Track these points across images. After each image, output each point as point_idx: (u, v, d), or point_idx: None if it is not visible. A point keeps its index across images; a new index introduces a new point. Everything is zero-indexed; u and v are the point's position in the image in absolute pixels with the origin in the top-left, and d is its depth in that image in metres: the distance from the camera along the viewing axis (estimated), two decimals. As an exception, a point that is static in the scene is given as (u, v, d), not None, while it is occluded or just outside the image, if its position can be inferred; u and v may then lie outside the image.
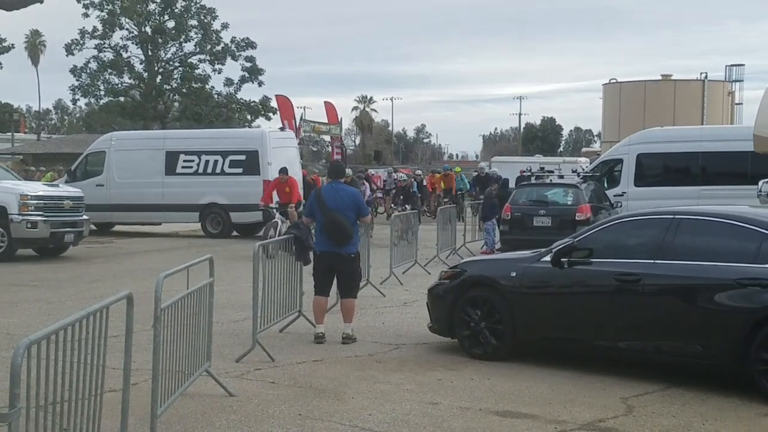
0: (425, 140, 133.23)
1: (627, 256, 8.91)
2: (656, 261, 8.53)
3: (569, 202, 18.95)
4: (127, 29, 53.48)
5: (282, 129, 30.02)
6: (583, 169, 24.08)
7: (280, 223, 19.97)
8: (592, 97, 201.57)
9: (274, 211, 20.76)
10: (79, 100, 56.41)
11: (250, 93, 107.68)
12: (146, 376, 7.36)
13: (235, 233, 25.85)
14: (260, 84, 55.02)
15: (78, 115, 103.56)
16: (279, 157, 25.64)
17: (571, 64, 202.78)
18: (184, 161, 26.10)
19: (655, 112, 59.72)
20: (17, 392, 4.03)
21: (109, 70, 53.60)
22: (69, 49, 52.77)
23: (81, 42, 52.81)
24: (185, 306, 7.17)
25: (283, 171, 21.26)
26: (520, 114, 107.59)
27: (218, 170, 25.56)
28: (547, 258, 9.29)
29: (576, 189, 19.14)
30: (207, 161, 25.90)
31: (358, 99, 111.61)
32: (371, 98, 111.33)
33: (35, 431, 4.38)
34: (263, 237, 19.07)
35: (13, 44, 38.83)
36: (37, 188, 19.64)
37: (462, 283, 9.91)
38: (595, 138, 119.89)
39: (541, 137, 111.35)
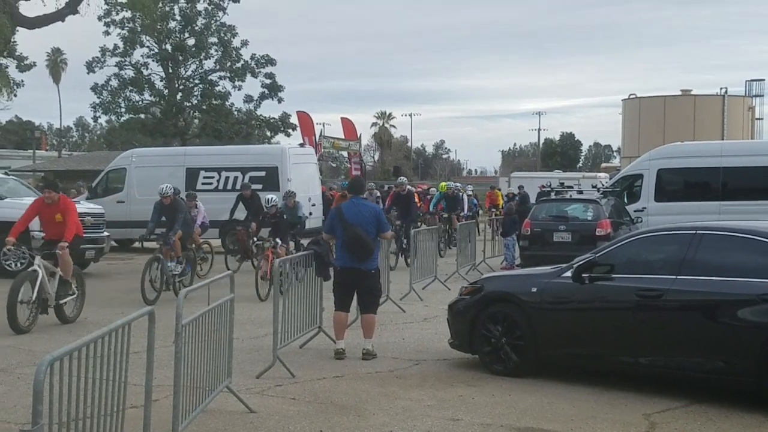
0: (444, 156, 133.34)
1: (648, 271, 8.86)
2: (678, 276, 8.48)
3: (589, 218, 18.88)
4: (147, 47, 54.01)
5: (302, 145, 30.13)
6: (603, 185, 23.98)
7: (41, 273, 12.12)
8: (612, 113, 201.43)
9: (26, 253, 13.12)
10: (99, 117, 57.08)
11: (269, 109, 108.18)
12: (167, 392, 7.37)
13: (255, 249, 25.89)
14: (280, 100, 55.43)
15: (99, 132, 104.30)
16: (299, 174, 25.73)
17: (590, 79, 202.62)
18: (205, 178, 26.21)
19: (675, 127, 59.65)
20: (40, 409, 4.05)
21: (130, 88, 54.05)
22: (90, 66, 53.29)
23: (102, 59, 53.33)
24: (206, 322, 7.19)
25: (51, 186, 13.10)
26: (539, 129, 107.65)
27: (238, 187, 25.59)
28: (568, 273, 9.26)
29: (596, 204, 19.08)
30: (227, 178, 26.00)
31: (377, 115, 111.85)
32: (390, 114, 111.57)
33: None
34: (8, 305, 11.69)
35: (34, 62, 39.22)
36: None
37: (482, 299, 9.89)
38: (615, 153, 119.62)
39: (561, 152, 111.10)
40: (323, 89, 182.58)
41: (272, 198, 17.35)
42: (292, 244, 17.62)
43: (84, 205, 21.01)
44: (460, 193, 28.74)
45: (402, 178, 26.51)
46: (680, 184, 22.94)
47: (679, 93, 69.89)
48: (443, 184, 27.91)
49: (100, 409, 4.91)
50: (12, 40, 31.76)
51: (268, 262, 15.40)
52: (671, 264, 8.70)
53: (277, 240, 16.55)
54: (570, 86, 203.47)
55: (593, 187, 22.44)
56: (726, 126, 64.11)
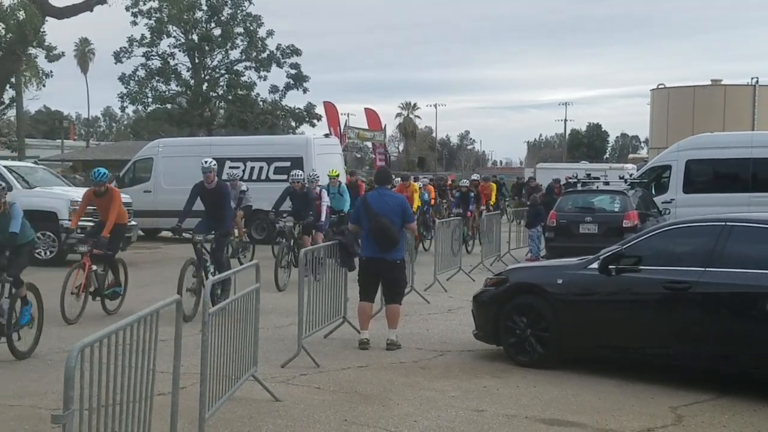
0: (469, 147, 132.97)
1: (676, 263, 8.81)
2: (707, 269, 8.43)
3: (616, 209, 18.77)
4: (174, 37, 54.24)
5: (327, 135, 30.18)
6: (630, 176, 23.83)
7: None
8: (640, 103, 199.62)
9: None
10: (127, 107, 57.39)
11: (294, 100, 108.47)
12: (193, 380, 7.43)
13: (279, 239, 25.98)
14: (305, 91, 55.48)
15: (126, 122, 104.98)
16: (323, 164, 25.77)
17: (617, 69, 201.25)
18: (230, 168, 26.28)
19: (704, 117, 59.15)
20: (71, 395, 4.09)
21: (157, 78, 54.33)
22: (117, 56, 53.63)
23: (129, 50, 53.64)
24: (232, 311, 7.24)
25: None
26: (565, 120, 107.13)
27: (263, 177, 25.72)
28: (595, 265, 9.23)
29: (623, 196, 18.97)
30: (252, 168, 26.09)
31: (401, 105, 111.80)
32: (415, 105, 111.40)
33: (87, 433, 4.44)
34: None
35: (63, 52, 39.45)
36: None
37: (507, 290, 9.87)
38: (642, 144, 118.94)
39: (587, 143, 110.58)
40: (348, 80, 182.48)
41: None
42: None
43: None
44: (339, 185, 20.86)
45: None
46: (709, 176, 22.72)
47: (709, 83, 69.26)
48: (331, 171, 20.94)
49: (128, 396, 4.96)
50: (41, 30, 31.96)
51: None
52: (700, 256, 8.64)
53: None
54: (596, 76, 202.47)
55: (620, 178, 22.29)
56: (756, 116, 63.44)
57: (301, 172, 17.15)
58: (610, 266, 9.07)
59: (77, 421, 4.26)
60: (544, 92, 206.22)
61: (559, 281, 9.44)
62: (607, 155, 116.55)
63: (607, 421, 7.42)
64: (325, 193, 17.41)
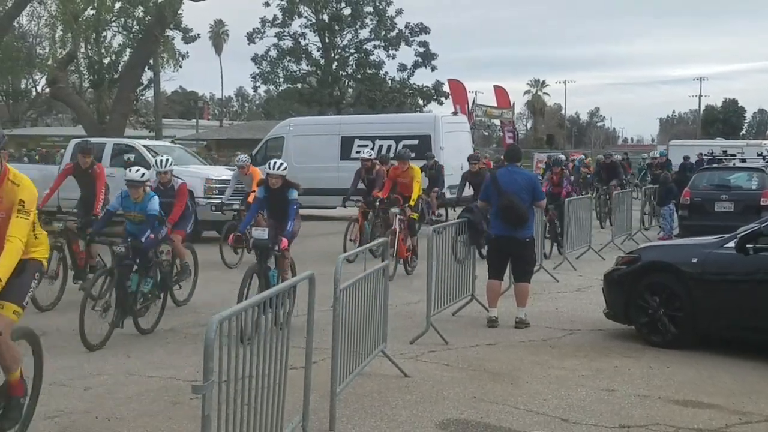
0: (599, 124, 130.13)
1: (819, 243, 8.47)
2: None
3: (754, 187, 18.20)
4: (305, 17, 55.11)
5: (454, 113, 30.09)
6: (770, 153, 22.95)
7: None
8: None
9: None
10: (259, 87, 58.83)
11: (422, 78, 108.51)
12: (325, 354, 7.58)
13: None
14: (433, 69, 55.52)
15: (257, 102, 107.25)
16: (451, 142, 25.72)
17: (755, 43, 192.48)
18: (359, 146, 26.53)
19: None
20: (211, 366, 4.24)
21: (288, 58, 55.34)
22: (250, 37, 54.92)
23: (262, 30, 54.90)
24: (362, 288, 7.33)
25: None
26: (700, 96, 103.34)
27: (391, 155, 25.85)
28: (731, 244, 8.96)
29: (762, 173, 18.37)
30: (381, 146, 26.23)
31: (530, 83, 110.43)
32: (543, 82, 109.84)
33: (226, 404, 4.58)
34: None
35: (198, 34, 40.42)
36: (221, 173, 20.45)
37: (640, 269, 9.69)
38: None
39: (722, 120, 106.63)
40: (476, 57, 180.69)
41: None
42: None
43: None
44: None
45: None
46: None
47: None
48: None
49: (264, 369, 5.10)
50: (179, 12, 32.92)
51: None
52: (844, 236, 8.28)
53: None
54: (734, 51, 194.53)
55: (759, 155, 21.52)
56: None
57: None
58: (747, 245, 8.79)
59: (216, 392, 4.42)
60: (678, 68, 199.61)
61: (694, 260, 9.21)
62: (743, 132, 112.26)
63: (743, 403, 7.21)
64: None
